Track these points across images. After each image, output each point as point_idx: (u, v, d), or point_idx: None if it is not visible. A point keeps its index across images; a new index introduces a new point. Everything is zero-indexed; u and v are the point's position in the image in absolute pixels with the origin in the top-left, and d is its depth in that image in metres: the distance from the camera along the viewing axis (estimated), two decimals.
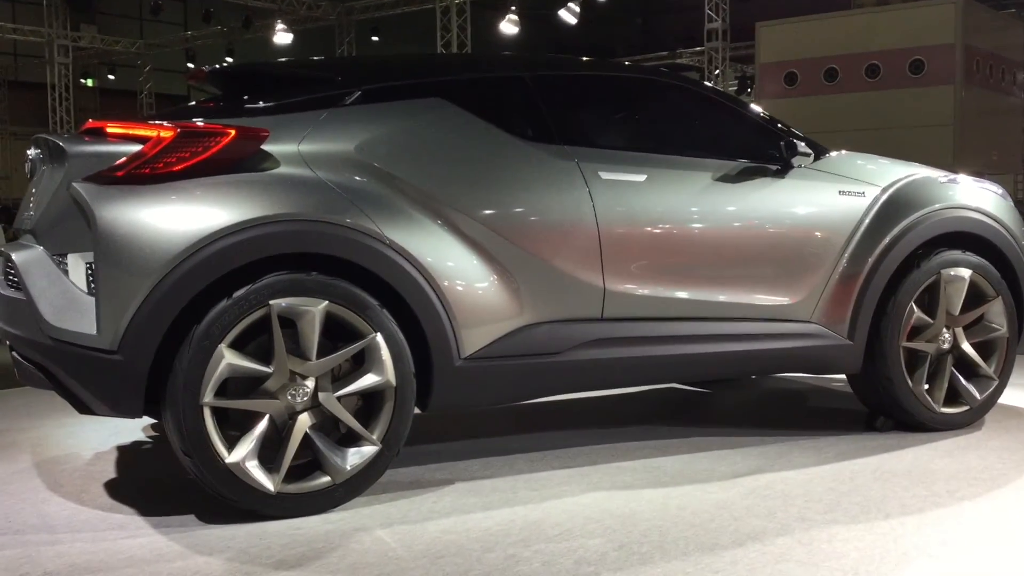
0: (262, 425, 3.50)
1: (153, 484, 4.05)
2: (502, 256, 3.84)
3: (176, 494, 3.86)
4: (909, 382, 4.63)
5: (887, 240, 4.55)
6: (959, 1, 17.73)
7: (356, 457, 3.61)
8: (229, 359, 3.43)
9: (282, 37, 22.34)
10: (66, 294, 3.46)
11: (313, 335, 3.54)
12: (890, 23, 17.91)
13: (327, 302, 3.53)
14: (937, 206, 4.70)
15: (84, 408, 3.52)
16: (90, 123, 3.76)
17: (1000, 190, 5.07)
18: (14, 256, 3.59)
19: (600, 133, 4.28)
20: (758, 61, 18.97)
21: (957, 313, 4.76)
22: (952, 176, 4.94)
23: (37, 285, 3.48)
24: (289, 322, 3.52)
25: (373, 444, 3.63)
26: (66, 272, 3.50)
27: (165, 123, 3.53)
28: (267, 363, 3.50)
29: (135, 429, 4.90)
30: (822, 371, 4.69)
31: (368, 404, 3.69)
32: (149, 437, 4.80)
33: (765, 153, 4.45)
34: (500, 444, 4.55)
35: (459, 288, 3.75)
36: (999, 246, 4.85)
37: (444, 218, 3.76)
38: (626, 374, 4.20)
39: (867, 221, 4.55)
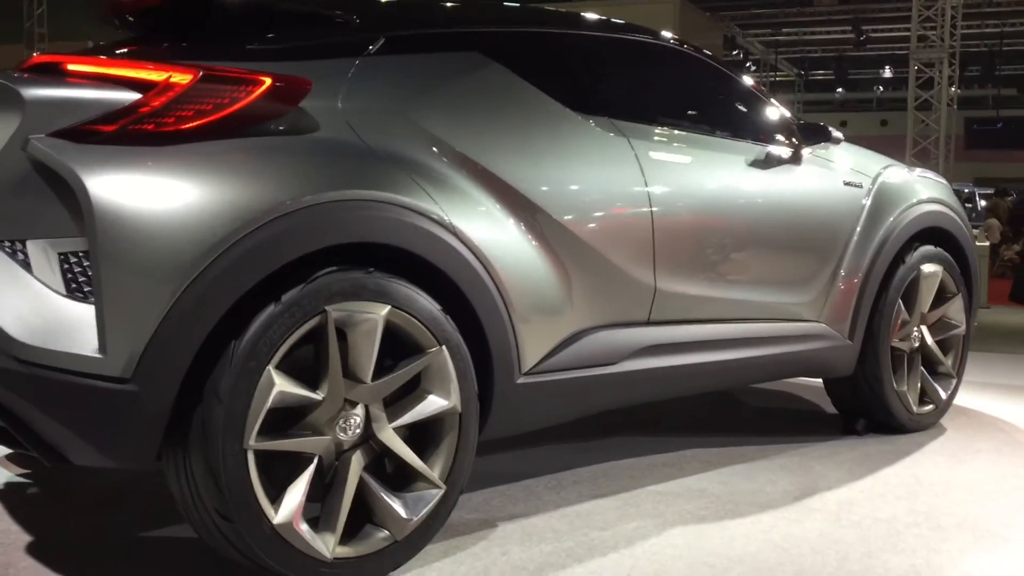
0: (310, 471, 2.64)
1: (97, 546, 3.02)
2: (560, 247, 3.16)
3: (139, 558, 2.89)
4: (894, 383, 4.40)
5: (882, 234, 4.29)
6: (676, 1, 18.45)
7: (420, 504, 2.82)
8: (281, 385, 2.54)
9: None
10: (35, 299, 2.43)
11: (371, 350, 2.71)
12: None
13: (389, 307, 2.72)
14: (915, 200, 4.50)
15: (56, 457, 2.51)
16: (37, 58, 2.70)
17: (944, 180, 4.96)
18: None
19: (642, 107, 3.67)
20: None
21: (927, 310, 4.60)
22: (911, 168, 4.79)
23: None
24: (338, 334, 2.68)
25: (436, 486, 2.85)
26: (27, 266, 2.46)
27: (176, 64, 2.56)
28: (314, 388, 2.64)
29: None
30: (822, 374, 4.34)
31: (418, 435, 2.89)
32: (21, 476, 3.67)
33: (780, 137, 4.04)
34: (493, 466, 3.84)
35: (520, 286, 3.04)
36: (960, 242, 4.73)
37: (503, 199, 3.03)
38: (671, 386, 3.65)
39: (865, 214, 4.27)
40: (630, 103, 3.60)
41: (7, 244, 2.48)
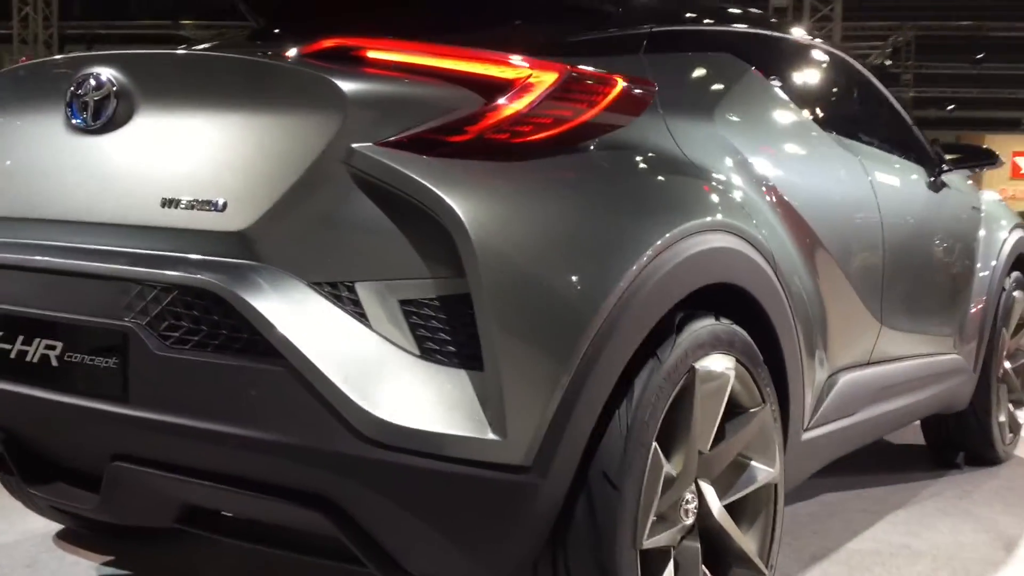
0: (671, 569, 2.13)
1: None
2: (824, 279, 2.76)
3: None
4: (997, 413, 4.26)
5: (994, 261, 4.14)
6: None
7: None
8: (667, 466, 2.03)
9: None
10: (383, 362, 1.81)
11: (717, 413, 2.23)
12: None
13: (735, 360, 2.25)
14: (1012, 225, 4.37)
15: (392, 567, 1.88)
16: (326, 41, 2.04)
17: None
18: (223, 287, 1.82)
19: (857, 126, 3.34)
20: None
21: (1011, 337, 4.50)
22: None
23: (311, 343, 1.78)
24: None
25: (761, 573, 2.39)
26: (361, 317, 1.84)
27: (537, 59, 1.99)
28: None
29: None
30: (948, 410, 4.10)
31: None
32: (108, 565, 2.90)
33: (935, 159, 3.80)
34: None
35: (805, 327, 2.63)
36: None
37: (790, 224, 2.60)
38: (875, 434, 3.32)
39: (982, 240, 4.10)
40: (848, 121, 3.28)
41: (327, 287, 1.84)
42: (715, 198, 2.27)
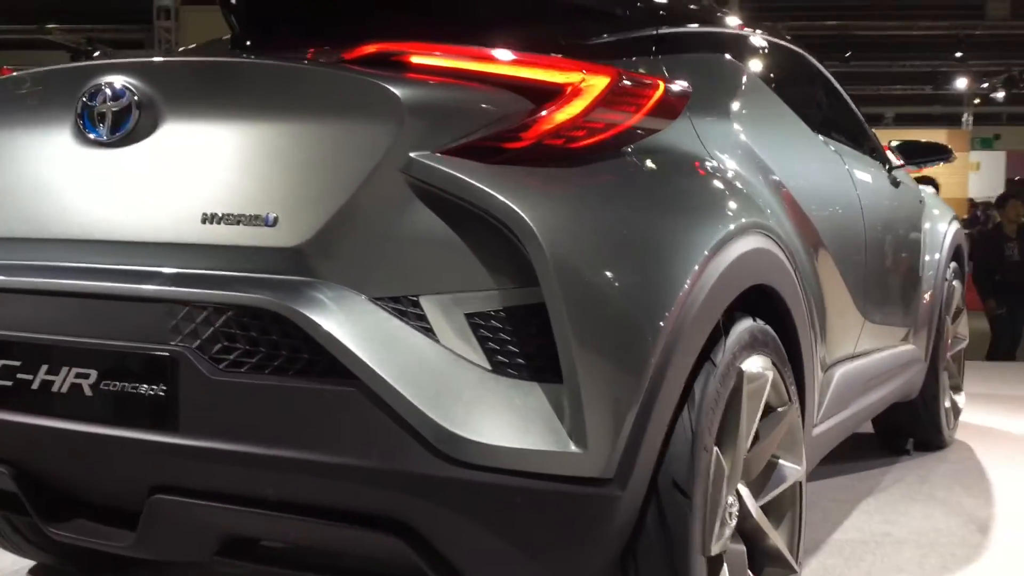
0: (726, 573, 2.12)
1: None
2: (825, 275, 2.78)
3: None
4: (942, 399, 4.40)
5: (938, 253, 4.27)
6: None
7: None
8: (727, 470, 2.02)
9: None
10: (455, 377, 1.75)
11: (756, 415, 2.23)
12: None
13: (770, 360, 2.25)
14: (950, 217, 4.53)
15: None
16: (368, 47, 1.95)
17: None
18: (286, 305, 1.73)
19: (827, 122, 3.39)
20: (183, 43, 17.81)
21: (949, 325, 4.65)
22: None
23: (383, 361, 1.71)
24: None
25: (792, 570, 2.39)
26: (428, 332, 1.77)
27: (587, 63, 1.94)
28: None
29: None
30: (905, 399, 4.19)
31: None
32: None
33: (890, 156, 3.90)
34: None
35: (819, 325, 2.66)
36: (966, 258, 4.83)
37: (796, 223, 2.61)
38: (856, 427, 3.37)
39: (927, 232, 4.23)
40: (824, 120, 3.34)
41: (390, 302, 1.77)
42: (746, 199, 2.27)
